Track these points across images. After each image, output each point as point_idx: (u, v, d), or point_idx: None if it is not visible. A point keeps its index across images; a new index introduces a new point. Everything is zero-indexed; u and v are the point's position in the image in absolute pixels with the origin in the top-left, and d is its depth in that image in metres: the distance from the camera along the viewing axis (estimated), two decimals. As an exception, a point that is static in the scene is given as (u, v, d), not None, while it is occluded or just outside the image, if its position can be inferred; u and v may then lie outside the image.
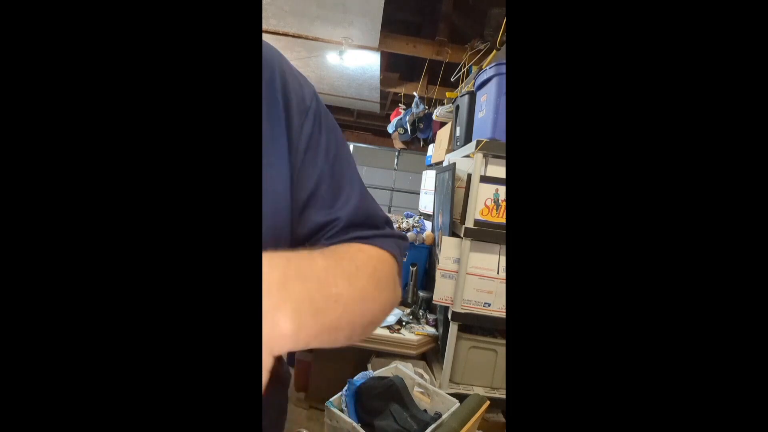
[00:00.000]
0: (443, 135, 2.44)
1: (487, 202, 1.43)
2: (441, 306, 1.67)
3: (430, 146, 2.97)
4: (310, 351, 1.87)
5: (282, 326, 0.38)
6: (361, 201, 0.55)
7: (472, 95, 1.74)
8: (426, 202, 2.62)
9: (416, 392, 1.39)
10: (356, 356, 1.78)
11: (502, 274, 1.46)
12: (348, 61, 3.41)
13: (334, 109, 6.04)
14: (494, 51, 2.41)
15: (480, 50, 2.68)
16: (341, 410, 1.23)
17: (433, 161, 2.75)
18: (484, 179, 1.43)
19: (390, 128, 3.74)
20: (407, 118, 3.39)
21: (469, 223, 1.43)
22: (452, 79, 2.91)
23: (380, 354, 1.75)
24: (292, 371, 1.75)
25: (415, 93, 3.40)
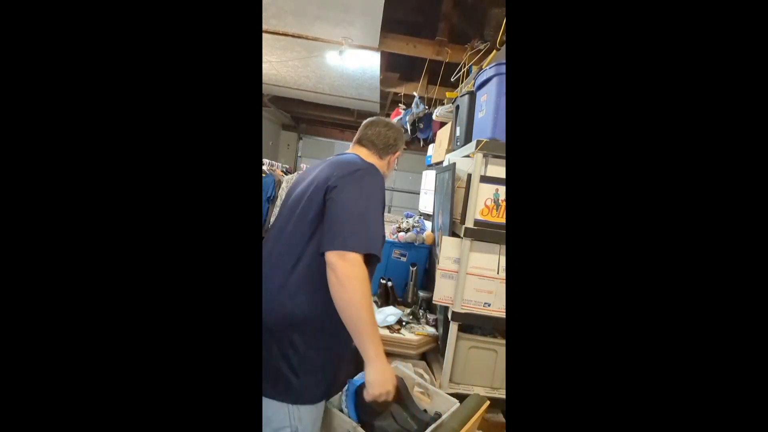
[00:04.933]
0: (443, 135, 2.44)
1: (487, 202, 1.43)
2: (441, 306, 1.67)
3: (430, 146, 2.97)
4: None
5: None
6: None
7: (472, 95, 1.74)
8: (426, 202, 2.62)
9: (416, 392, 1.38)
10: (356, 356, 1.77)
11: (502, 274, 1.45)
12: (348, 61, 3.41)
13: (334, 109, 6.02)
14: (494, 51, 2.41)
15: (480, 50, 2.67)
16: (341, 410, 1.23)
17: (433, 161, 2.75)
18: (484, 179, 1.42)
19: (390, 128, 3.73)
20: (407, 118, 3.39)
21: (469, 223, 1.43)
22: (452, 79, 2.91)
23: (380, 354, 1.75)
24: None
25: (415, 93, 3.39)
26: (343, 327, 0.97)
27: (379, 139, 1.22)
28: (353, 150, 1.23)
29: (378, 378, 0.98)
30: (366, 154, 1.20)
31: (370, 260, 1.00)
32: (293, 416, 1.02)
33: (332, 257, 0.94)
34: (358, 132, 1.26)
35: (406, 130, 3.46)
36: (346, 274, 0.92)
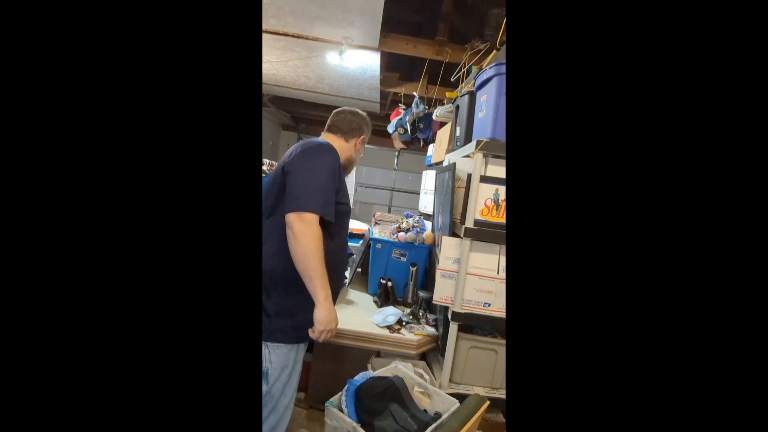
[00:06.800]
0: (443, 135, 2.44)
1: (487, 202, 1.43)
2: (441, 306, 1.67)
3: (430, 146, 2.97)
4: (310, 351, 1.87)
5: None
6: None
7: (472, 95, 1.74)
8: (426, 202, 2.62)
9: (416, 392, 1.39)
10: (356, 356, 1.77)
11: (502, 274, 1.45)
12: (348, 61, 3.40)
13: (334, 109, 6.03)
14: (494, 51, 2.41)
15: (480, 50, 2.67)
16: (341, 410, 1.23)
17: (433, 161, 2.75)
18: (484, 179, 1.42)
19: (390, 128, 3.74)
20: (407, 118, 3.39)
21: (469, 223, 1.43)
22: (452, 79, 2.90)
23: (380, 354, 1.75)
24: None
25: (415, 93, 3.39)
26: (287, 276, 1.20)
27: (344, 123, 1.42)
28: (323, 137, 1.41)
29: (325, 317, 1.18)
30: (332, 138, 1.39)
31: (328, 227, 1.22)
32: (264, 357, 1.22)
33: (291, 218, 1.13)
34: (328, 120, 1.44)
35: (406, 130, 3.46)
36: (302, 231, 1.12)
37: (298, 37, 2.95)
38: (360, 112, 1.47)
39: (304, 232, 1.12)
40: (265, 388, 1.25)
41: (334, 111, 1.47)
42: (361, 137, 1.45)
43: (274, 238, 1.22)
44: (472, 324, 1.58)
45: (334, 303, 1.27)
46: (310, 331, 1.21)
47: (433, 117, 2.70)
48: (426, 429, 1.15)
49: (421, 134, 3.42)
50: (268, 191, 1.28)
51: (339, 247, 1.34)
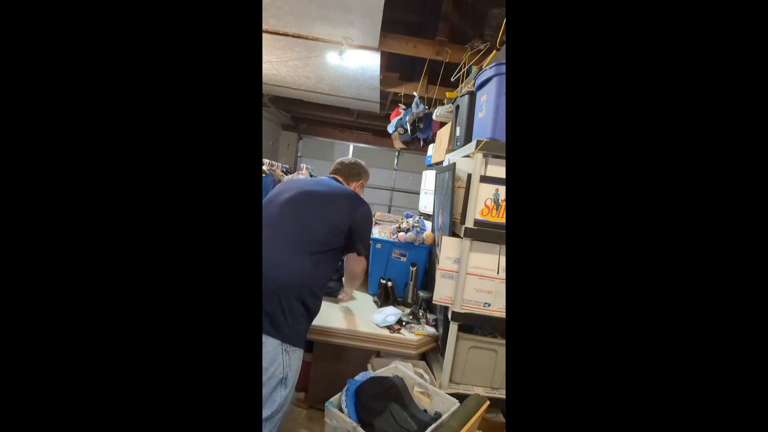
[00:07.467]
0: (443, 135, 2.44)
1: (487, 202, 1.43)
2: (441, 306, 1.67)
3: (430, 146, 2.97)
4: (310, 351, 1.87)
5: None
6: None
7: (472, 95, 1.74)
8: (426, 202, 2.62)
9: (416, 392, 1.39)
10: (356, 356, 1.77)
11: (502, 274, 1.45)
12: (348, 61, 3.40)
13: (334, 109, 6.02)
14: (494, 51, 2.41)
15: (480, 50, 2.67)
16: (341, 410, 1.23)
17: (433, 161, 2.75)
18: (484, 179, 1.42)
19: (390, 128, 3.74)
20: (407, 118, 3.39)
21: (469, 223, 1.43)
22: (452, 79, 2.90)
23: (380, 354, 1.75)
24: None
25: (415, 93, 3.39)
26: (322, 292, 1.49)
27: (346, 170, 1.81)
28: (332, 176, 1.79)
29: (351, 294, 1.99)
30: (341, 181, 1.76)
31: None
32: (285, 363, 1.30)
33: (359, 266, 1.69)
34: (332, 166, 1.83)
35: (406, 130, 3.46)
36: (364, 271, 1.75)
37: (298, 37, 2.95)
38: (360, 162, 1.86)
39: (365, 271, 1.77)
40: (284, 392, 1.30)
41: (338, 160, 1.85)
42: (360, 182, 1.81)
43: (324, 265, 1.48)
44: (472, 324, 1.58)
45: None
46: (342, 297, 1.98)
47: (433, 117, 2.70)
48: (426, 429, 1.15)
49: (421, 134, 3.42)
50: (323, 228, 1.51)
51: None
